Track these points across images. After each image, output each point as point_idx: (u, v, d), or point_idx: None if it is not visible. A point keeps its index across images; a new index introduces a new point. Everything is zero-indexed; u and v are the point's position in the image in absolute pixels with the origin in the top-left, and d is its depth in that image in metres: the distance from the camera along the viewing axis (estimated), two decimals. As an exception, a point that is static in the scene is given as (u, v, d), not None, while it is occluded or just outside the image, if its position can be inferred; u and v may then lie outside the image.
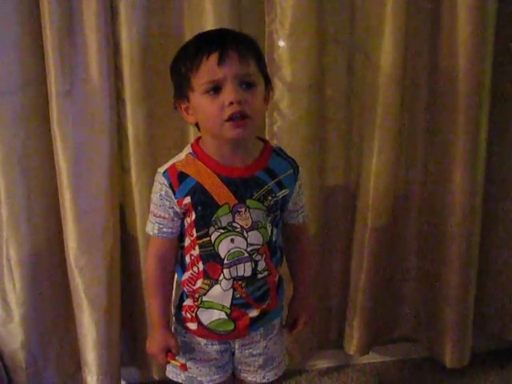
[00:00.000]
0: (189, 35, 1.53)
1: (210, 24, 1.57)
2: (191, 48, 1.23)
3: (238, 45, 1.20)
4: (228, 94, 1.17)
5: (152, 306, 1.39)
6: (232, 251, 1.28)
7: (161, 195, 1.29)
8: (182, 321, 1.40)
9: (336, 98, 1.78)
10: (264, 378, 1.46)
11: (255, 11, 1.67)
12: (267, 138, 1.72)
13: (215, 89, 1.18)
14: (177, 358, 1.39)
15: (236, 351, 1.43)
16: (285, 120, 1.71)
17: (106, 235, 1.72)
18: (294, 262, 1.49)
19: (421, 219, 1.94)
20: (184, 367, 1.38)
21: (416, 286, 2.02)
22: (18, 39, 1.58)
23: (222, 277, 1.30)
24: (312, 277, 1.57)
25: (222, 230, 1.27)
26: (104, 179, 1.68)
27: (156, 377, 1.92)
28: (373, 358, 2.11)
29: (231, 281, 1.30)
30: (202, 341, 1.39)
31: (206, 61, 1.18)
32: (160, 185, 1.29)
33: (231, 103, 1.17)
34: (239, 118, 1.18)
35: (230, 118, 1.18)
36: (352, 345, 1.99)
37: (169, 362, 1.38)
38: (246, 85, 1.20)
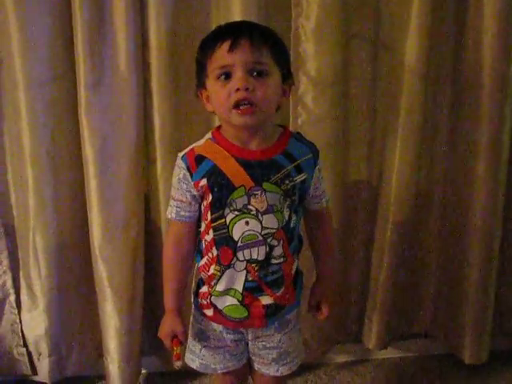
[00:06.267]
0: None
1: (236, 18, 1.59)
2: (210, 37, 1.27)
3: (252, 33, 1.21)
4: (236, 80, 1.20)
5: (165, 290, 1.41)
6: (246, 234, 1.28)
7: (179, 178, 1.31)
8: (199, 307, 1.41)
9: (360, 93, 1.79)
10: (278, 371, 1.47)
11: (281, 6, 1.68)
12: (291, 131, 1.74)
13: (226, 75, 1.21)
14: (190, 345, 1.42)
15: (250, 342, 1.44)
16: (309, 114, 1.72)
17: (131, 225, 1.75)
18: (318, 248, 1.49)
19: (442, 215, 1.95)
20: (177, 356, 1.38)
21: (436, 281, 2.03)
22: (49, 32, 1.61)
23: (234, 261, 1.30)
24: (335, 263, 1.56)
25: (236, 212, 1.27)
26: (130, 170, 1.70)
27: (176, 366, 1.94)
28: (391, 352, 2.12)
29: (244, 263, 1.31)
30: (218, 327, 1.40)
31: (219, 47, 1.21)
32: (179, 168, 1.31)
33: (238, 89, 1.19)
34: (246, 104, 1.20)
35: (237, 105, 1.20)
36: (371, 339, 2.00)
37: (173, 348, 1.39)
38: (258, 73, 1.21)
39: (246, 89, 1.19)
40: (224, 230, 1.29)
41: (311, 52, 1.67)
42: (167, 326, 1.40)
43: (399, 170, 1.80)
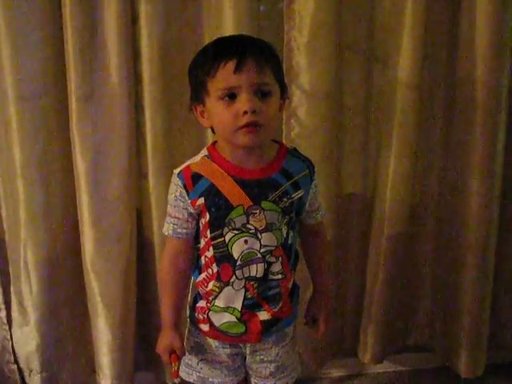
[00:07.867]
0: (208, 42, 1.54)
1: (228, 31, 1.58)
2: (209, 52, 1.23)
3: (256, 53, 1.19)
4: (243, 102, 1.17)
5: (162, 305, 1.40)
6: (245, 252, 1.28)
7: (175, 196, 1.30)
8: (195, 322, 1.40)
9: (353, 106, 1.79)
10: None
11: (274, 19, 1.69)
12: (284, 144, 1.73)
13: (230, 95, 1.19)
14: (186, 359, 1.41)
15: (247, 356, 1.43)
16: (302, 127, 1.72)
17: (123, 240, 1.73)
18: (314, 262, 1.49)
19: (437, 228, 1.94)
20: (175, 374, 1.38)
21: (431, 295, 2.02)
22: (40, 44, 1.60)
23: (233, 279, 1.30)
24: (330, 276, 1.55)
25: (235, 231, 1.27)
26: (122, 184, 1.69)
27: (169, 382, 1.92)
28: (387, 366, 2.10)
29: (243, 281, 1.30)
30: (214, 343, 1.40)
31: (223, 67, 1.18)
32: (175, 186, 1.30)
33: (245, 112, 1.17)
34: (251, 125, 1.18)
35: (243, 126, 1.19)
36: (366, 353, 1.99)
37: (171, 363, 1.38)
38: (262, 94, 1.20)
39: (254, 111, 1.17)
40: (224, 248, 1.29)
41: (304, 65, 1.67)
42: (165, 341, 1.39)
43: (393, 183, 1.79)
